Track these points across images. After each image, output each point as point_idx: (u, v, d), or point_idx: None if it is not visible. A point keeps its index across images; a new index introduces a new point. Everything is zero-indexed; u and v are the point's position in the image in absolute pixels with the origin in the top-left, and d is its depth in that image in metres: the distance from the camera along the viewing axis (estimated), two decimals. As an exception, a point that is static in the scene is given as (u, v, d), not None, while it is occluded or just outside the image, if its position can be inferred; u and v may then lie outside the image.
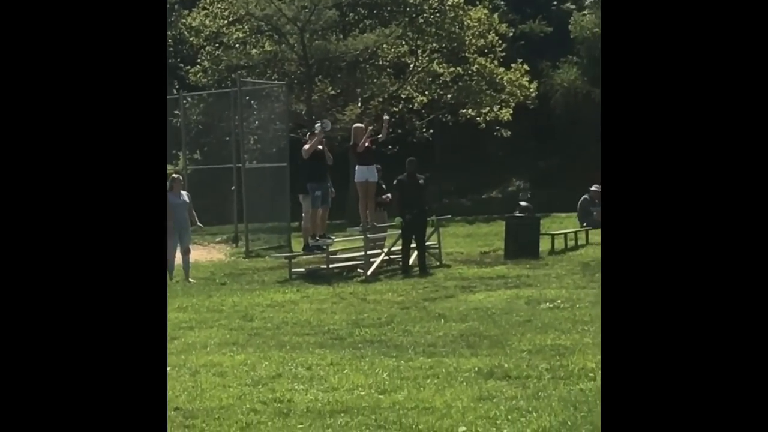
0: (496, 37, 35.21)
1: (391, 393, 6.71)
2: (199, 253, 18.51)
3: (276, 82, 28.13)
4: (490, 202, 38.07)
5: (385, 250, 16.20)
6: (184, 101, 25.66)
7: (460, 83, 34.77)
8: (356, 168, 15.96)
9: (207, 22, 34.34)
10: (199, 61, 34.30)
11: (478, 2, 36.45)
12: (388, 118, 17.28)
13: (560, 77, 39.97)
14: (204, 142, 27.83)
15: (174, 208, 14.87)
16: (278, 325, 10.24)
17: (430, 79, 35.12)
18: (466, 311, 10.68)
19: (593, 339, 8.57)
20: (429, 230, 16.41)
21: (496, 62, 34.96)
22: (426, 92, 34.98)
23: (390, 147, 28.44)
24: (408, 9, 34.52)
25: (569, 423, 5.75)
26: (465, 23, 34.38)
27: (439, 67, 34.93)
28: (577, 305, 10.79)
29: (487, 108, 34.48)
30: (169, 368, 7.25)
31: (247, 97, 23.01)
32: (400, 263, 15.80)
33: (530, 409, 6.11)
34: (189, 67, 34.30)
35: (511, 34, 37.01)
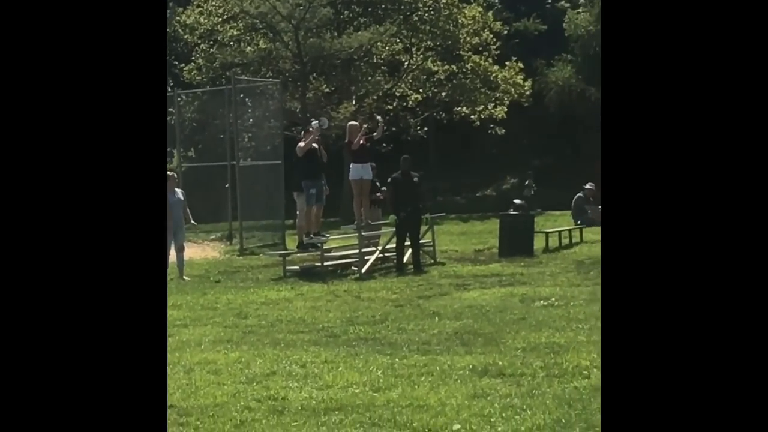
0: (491, 35, 35.27)
1: (385, 391, 6.71)
2: (193, 251, 18.50)
3: (270, 79, 28.12)
4: (484, 199, 38.13)
5: (380, 247, 16.20)
6: (179, 99, 25.64)
7: (454, 81, 34.81)
8: (351, 166, 15.95)
9: (201, 19, 34.35)
10: (193, 58, 34.29)
11: (472, 0, 36.48)
12: (380, 118, 17.32)
13: (554, 75, 40.03)
14: (198, 139, 27.80)
15: (168, 205, 14.85)
16: (272, 322, 10.23)
17: (425, 77, 35.15)
18: (460, 309, 10.69)
19: (587, 337, 8.58)
20: (423, 228, 16.41)
21: (490, 60, 35.01)
22: (420, 90, 35.00)
23: (384, 145, 28.48)
24: (402, 7, 34.55)
25: (563, 421, 5.76)
26: (459, 21, 34.43)
27: (434, 65, 34.96)
28: (572, 303, 10.80)
29: (482, 106, 34.53)
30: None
31: (242, 95, 22.97)
32: (395, 261, 15.81)
33: (524, 406, 6.11)
34: (183, 64, 34.28)
35: (505, 32, 37.09)
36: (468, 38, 34.75)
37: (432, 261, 16.30)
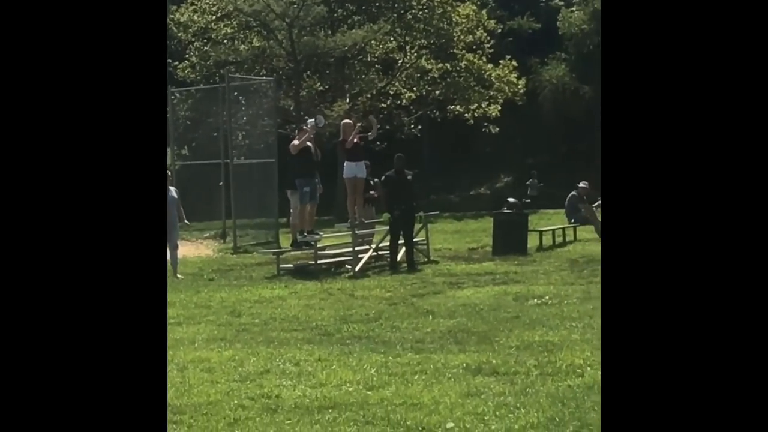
0: (485, 34, 35.25)
1: (379, 389, 6.71)
2: (187, 249, 18.48)
3: (264, 78, 28.09)
4: (478, 198, 38.16)
5: (373, 246, 16.20)
6: (173, 97, 25.56)
7: (448, 79, 34.81)
8: (345, 164, 15.94)
9: (195, 17, 34.29)
10: (187, 56, 34.23)
11: (466, -2, 36.52)
12: (373, 119, 17.33)
13: (548, 74, 40.09)
14: (192, 137, 27.73)
15: (162, 203, 14.83)
16: (266, 321, 10.23)
17: (419, 75, 35.14)
18: (454, 307, 10.69)
19: (581, 335, 8.59)
20: (417, 226, 16.41)
21: (484, 58, 35.00)
22: (414, 88, 34.99)
23: (378, 143, 28.45)
24: (396, 5, 34.53)
25: (557, 419, 5.76)
26: (453, 19, 34.40)
27: (428, 64, 34.96)
28: (565, 301, 10.81)
29: (476, 104, 34.52)
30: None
31: (236, 93, 22.94)
32: (388, 259, 15.80)
33: (518, 405, 6.12)
34: (177, 62, 34.22)
35: (499, 30, 37.07)
36: (462, 36, 34.74)
37: (426, 259, 16.31)
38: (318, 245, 15.86)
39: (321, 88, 34.08)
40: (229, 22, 34.33)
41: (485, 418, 5.84)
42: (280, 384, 6.97)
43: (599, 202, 20.45)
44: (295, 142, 15.36)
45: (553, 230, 19.32)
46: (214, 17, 34.09)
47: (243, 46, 33.75)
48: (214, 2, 33.66)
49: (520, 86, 35.26)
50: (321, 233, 16.40)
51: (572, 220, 20.45)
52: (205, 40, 34.39)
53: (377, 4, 34.93)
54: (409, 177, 16.08)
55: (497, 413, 5.92)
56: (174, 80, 33.69)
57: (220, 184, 21.61)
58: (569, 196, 20.96)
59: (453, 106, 34.95)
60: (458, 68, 34.77)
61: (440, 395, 6.44)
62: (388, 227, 15.85)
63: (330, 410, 6.15)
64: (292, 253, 16.32)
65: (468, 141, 38.82)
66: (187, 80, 33.51)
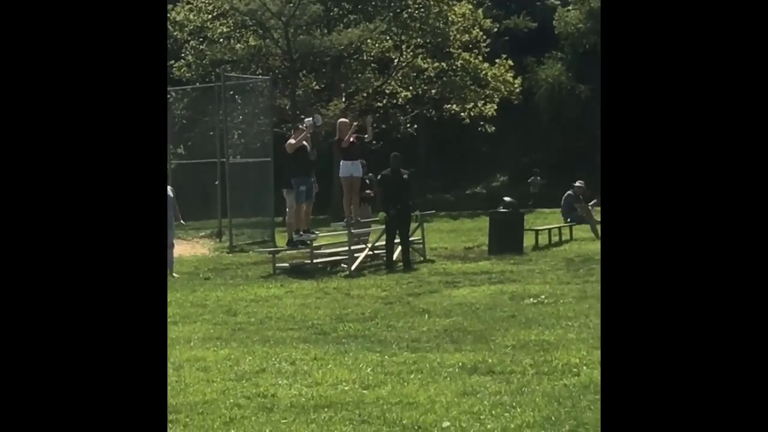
0: (481, 33, 35.29)
1: (374, 388, 6.71)
2: (182, 248, 18.46)
3: (260, 77, 28.08)
4: (474, 197, 38.18)
5: (369, 245, 16.19)
6: (168, 96, 25.56)
7: (444, 78, 34.84)
8: (341, 163, 15.93)
9: (191, 16, 34.28)
10: (183, 55, 34.21)
11: (462, -3, 36.54)
12: (371, 119, 17.32)
13: (544, 73, 40.10)
14: (188, 136, 27.71)
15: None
16: (262, 320, 10.22)
17: (415, 74, 35.18)
18: (450, 306, 10.69)
19: (577, 334, 8.60)
20: (413, 225, 16.40)
21: (480, 58, 35.04)
22: (410, 87, 35.03)
23: (374, 142, 28.44)
24: (392, 4, 34.55)
25: (553, 418, 5.76)
26: (449, 19, 34.44)
27: (424, 63, 34.99)
28: (561, 301, 10.81)
29: (472, 103, 34.56)
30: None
31: (231, 92, 22.93)
32: (384, 258, 15.80)
33: (514, 404, 6.11)
34: (173, 61, 34.18)
35: (495, 29, 37.11)
36: (458, 35, 34.77)
37: (422, 258, 16.30)
38: (314, 244, 15.85)
39: (317, 87, 34.08)
40: (225, 21, 34.32)
41: (481, 417, 5.84)
42: (276, 383, 6.96)
43: (595, 201, 20.48)
44: (292, 140, 15.35)
45: (549, 229, 19.32)
46: (210, 16, 34.09)
47: (239, 45, 33.73)
48: (210, 1, 33.67)
49: (516, 85, 35.30)
50: (317, 232, 16.39)
51: (568, 219, 20.45)
52: (201, 39, 34.38)
53: (373, 3, 34.96)
54: (405, 176, 16.07)
55: (493, 412, 5.92)
56: (170, 79, 33.63)
57: (216, 183, 21.59)
58: (565, 195, 20.97)
59: (449, 105, 34.98)
60: (454, 67, 34.81)
61: (436, 394, 6.44)
62: (384, 226, 15.84)
63: (326, 409, 6.15)
64: (288, 252, 16.30)
65: (464, 140, 38.84)
66: (183, 79, 33.49)
